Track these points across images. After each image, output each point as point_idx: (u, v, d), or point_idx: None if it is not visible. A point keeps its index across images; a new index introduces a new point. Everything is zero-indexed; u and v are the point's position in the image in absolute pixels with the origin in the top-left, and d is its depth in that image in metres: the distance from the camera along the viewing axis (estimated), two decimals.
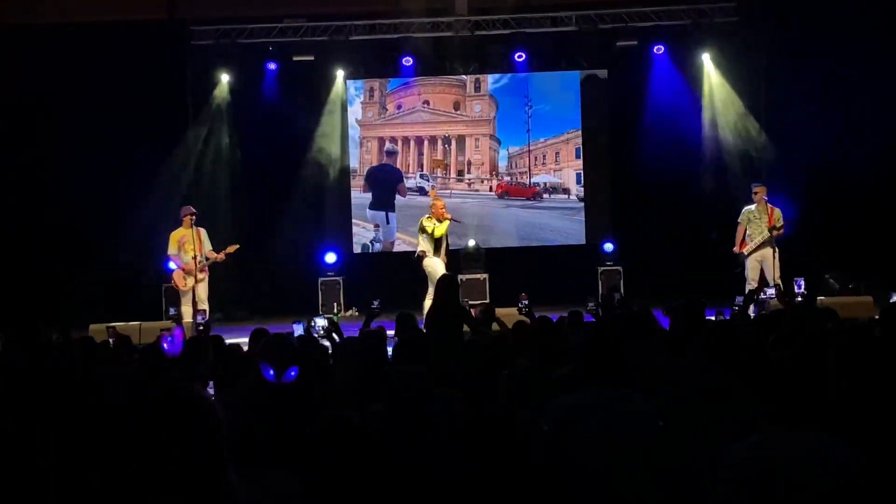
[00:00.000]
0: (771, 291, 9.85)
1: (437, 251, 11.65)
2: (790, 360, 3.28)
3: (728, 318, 7.21)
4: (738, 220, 12.20)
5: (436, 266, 11.62)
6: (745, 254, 12.04)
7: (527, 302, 7.73)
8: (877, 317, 7.28)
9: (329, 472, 3.07)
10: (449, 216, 11.80)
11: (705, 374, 3.95)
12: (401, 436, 3.69)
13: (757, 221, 12.00)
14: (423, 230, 11.77)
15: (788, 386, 3.20)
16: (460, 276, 14.07)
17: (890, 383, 4.02)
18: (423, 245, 11.70)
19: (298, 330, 7.14)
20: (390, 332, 6.64)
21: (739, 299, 7.68)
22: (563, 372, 4.51)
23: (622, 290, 13.25)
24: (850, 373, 4.18)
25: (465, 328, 7.61)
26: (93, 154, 13.99)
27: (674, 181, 14.66)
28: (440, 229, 11.64)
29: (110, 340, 7.26)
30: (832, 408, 3.60)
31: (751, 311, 7.93)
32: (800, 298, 8.94)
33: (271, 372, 4.35)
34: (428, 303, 11.42)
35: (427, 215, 11.84)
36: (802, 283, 9.42)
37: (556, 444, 3.62)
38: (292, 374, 4.38)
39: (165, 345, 5.86)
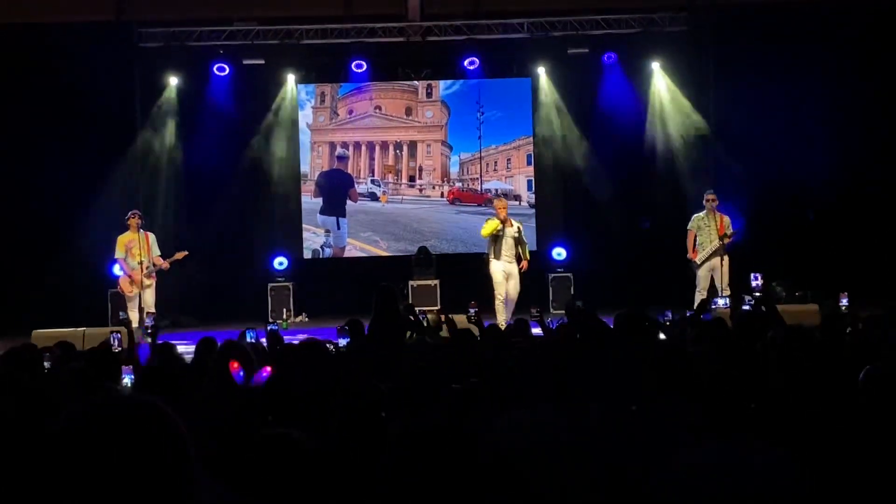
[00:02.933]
0: (723, 301, 9.83)
1: (497, 255, 11.61)
2: (723, 369, 3.28)
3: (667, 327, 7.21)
4: (688, 227, 12.26)
5: (495, 269, 11.62)
6: (698, 262, 12.08)
7: (476, 310, 7.70)
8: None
9: (275, 493, 2.93)
10: (512, 222, 11.76)
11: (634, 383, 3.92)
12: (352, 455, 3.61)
13: (706, 229, 12.05)
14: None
15: (721, 394, 3.20)
16: (412, 283, 14.08)
17: (826, 389, 4.05)
18: (489, 248, 11.75)
19: (249, 337, 7.06)
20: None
21: (668, 314, 7.68)
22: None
23: (573, 297, 13.26)
24: (790, 379, 4.21)
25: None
26: (37, 156, 13.74)
27: (624, 188, 14.76)
28: (486, 229, 11.68)
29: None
30: (766, 415, 3.61)
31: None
32: (757, 293, 8.78)
33: (241, 374, 4.12)
34: (498, 305, 11.54)
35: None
36: (759, 277, 9.29)
37: (505, 460, 3.58)
38: (263, 375, 4.16)
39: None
